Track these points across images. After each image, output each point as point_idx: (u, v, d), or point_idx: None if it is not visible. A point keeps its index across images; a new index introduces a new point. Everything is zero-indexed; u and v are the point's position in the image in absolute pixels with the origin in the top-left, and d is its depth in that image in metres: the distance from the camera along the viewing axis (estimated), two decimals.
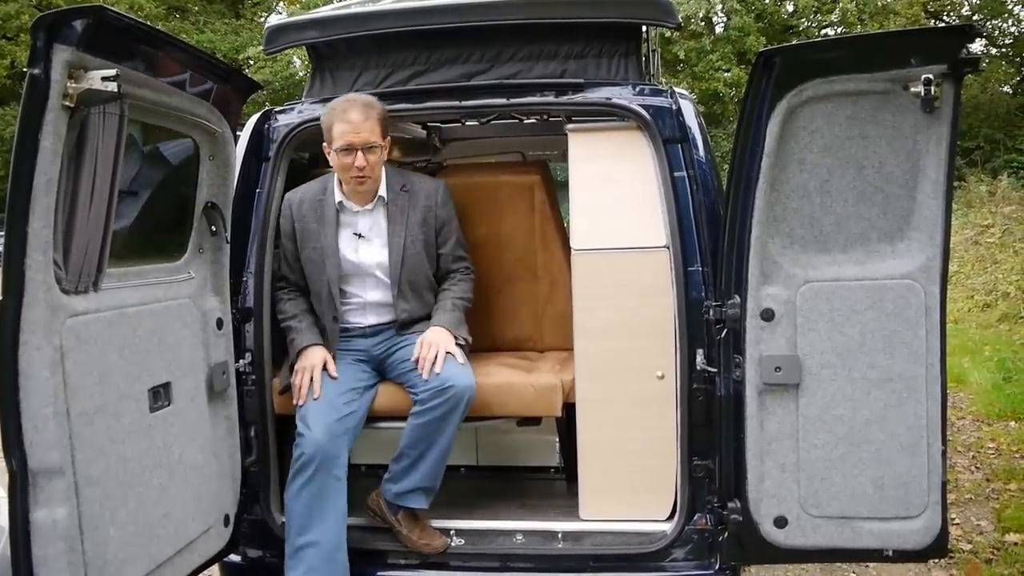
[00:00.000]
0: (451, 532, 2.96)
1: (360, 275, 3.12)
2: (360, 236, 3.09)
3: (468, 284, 3.23)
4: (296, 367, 2.98)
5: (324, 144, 2.96)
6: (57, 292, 2.06)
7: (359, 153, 2.88)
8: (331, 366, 2.99)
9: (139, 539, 2.32)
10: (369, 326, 3.15)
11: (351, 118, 2.85)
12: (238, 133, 2.90)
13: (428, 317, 3.12)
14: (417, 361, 2.91)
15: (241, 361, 2.94)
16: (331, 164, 2.99)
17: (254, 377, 2.99)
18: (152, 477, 2.39)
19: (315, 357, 2.98)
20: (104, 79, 2.01)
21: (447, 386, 2.83)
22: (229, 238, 2.80)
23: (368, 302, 3.14)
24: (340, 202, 3.07)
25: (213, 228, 2.76)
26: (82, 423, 2.11)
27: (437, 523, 2.99)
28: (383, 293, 3.12)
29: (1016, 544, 4.23)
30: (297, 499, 2.81)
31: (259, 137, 3.09)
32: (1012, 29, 22.21)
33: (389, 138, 2.99)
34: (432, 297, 3.18)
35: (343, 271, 3.09)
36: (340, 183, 3.07)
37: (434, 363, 2.87)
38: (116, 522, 2.23)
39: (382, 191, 3.07)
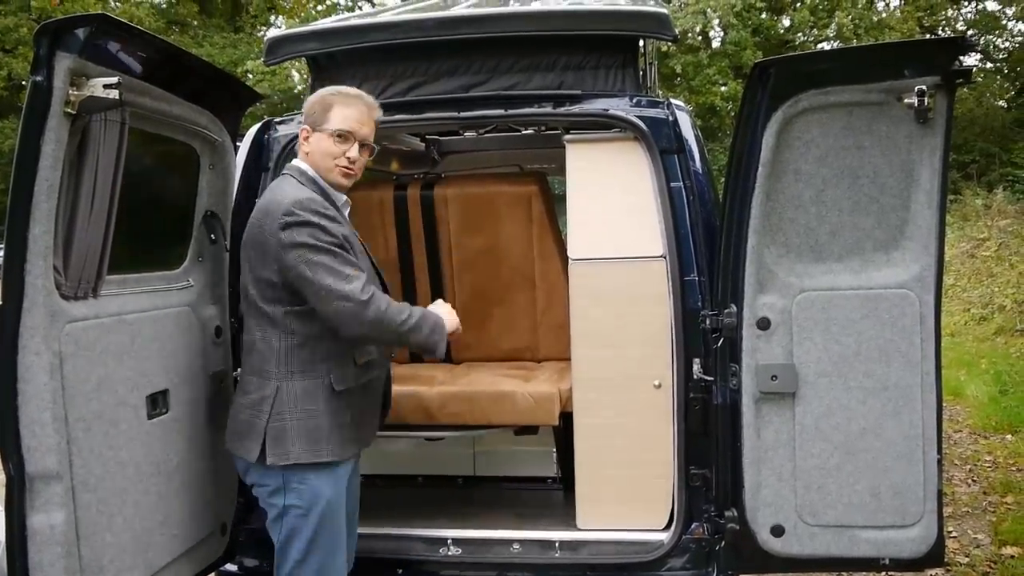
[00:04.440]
0: (448, 541, 2.96)
1: None
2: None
3: None
4: (446, 330, 2.50)
5: (305, 127, 2.50)
6: (57, 298, 2.08)
7: (356, 145, 2.48)
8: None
9: (136, 545, 2.32)
10: None
11: (360, 106, 2.49)
12: (238, 143, 2.92)
13: None
14: None
15: (239, 370, 2.93)
16: (310, 149, 2.48)
17: None
18: (149, 484, 2.39)
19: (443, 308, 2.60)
20: (105, 86, 2.04)
21: None
22: (228, 247, 2.81)
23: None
24: (346, 200, 2.57)
25: (212, 237, 2.77)
26: (80, 429, 2.12)
27: (434, 532, 2.98)
28: None
29: (1013, 557, 4.22)
30: None
31: (259, 147, 3.10)
32: (1006, 44, 22.36)
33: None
34: None
35: None
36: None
37: None
38: (113, 528, 2.22)
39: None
